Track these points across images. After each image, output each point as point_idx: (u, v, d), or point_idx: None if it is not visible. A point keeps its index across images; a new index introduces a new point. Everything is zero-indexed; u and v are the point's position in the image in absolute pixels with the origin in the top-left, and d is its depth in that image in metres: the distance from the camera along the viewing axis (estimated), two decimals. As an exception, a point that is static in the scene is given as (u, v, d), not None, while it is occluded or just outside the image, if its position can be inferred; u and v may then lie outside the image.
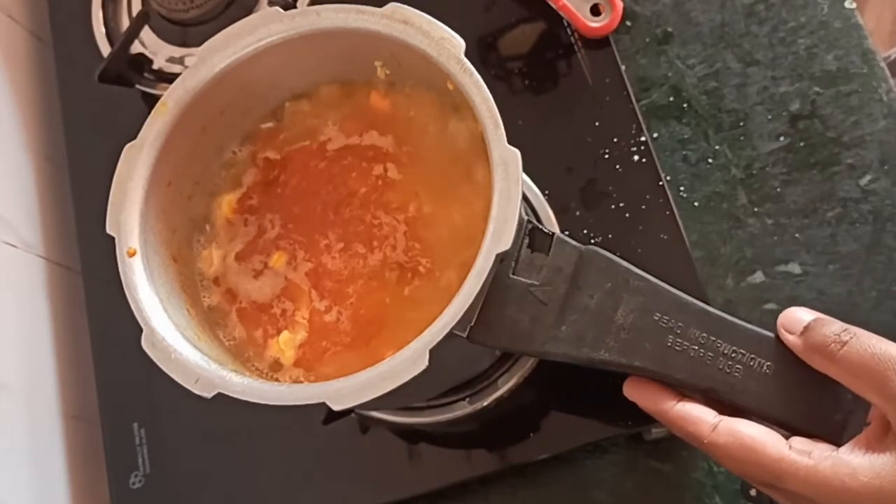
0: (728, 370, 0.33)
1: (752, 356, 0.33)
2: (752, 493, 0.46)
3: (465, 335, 0.33)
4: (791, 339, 0.33)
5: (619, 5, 0.50)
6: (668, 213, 0.47)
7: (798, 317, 0.34)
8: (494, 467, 0.46)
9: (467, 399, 0.46)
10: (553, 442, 0.46)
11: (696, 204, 0.51)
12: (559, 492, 0.48)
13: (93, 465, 0.52)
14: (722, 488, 0.47)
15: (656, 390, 0.35)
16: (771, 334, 0.34)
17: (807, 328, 0.33)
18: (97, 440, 0.51)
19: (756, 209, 0.51)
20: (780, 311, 0.49)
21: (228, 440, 0.49)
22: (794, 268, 0.50)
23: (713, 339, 0.33)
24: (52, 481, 0.49)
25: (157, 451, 0.49)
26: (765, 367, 0.33)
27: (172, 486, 0.49)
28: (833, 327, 0.32)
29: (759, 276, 0.50)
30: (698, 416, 0.33)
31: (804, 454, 0.31)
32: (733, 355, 0.33)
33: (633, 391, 0.36)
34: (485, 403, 0.46)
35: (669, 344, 0.33)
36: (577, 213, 0.49)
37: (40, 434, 0.50)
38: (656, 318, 0.33)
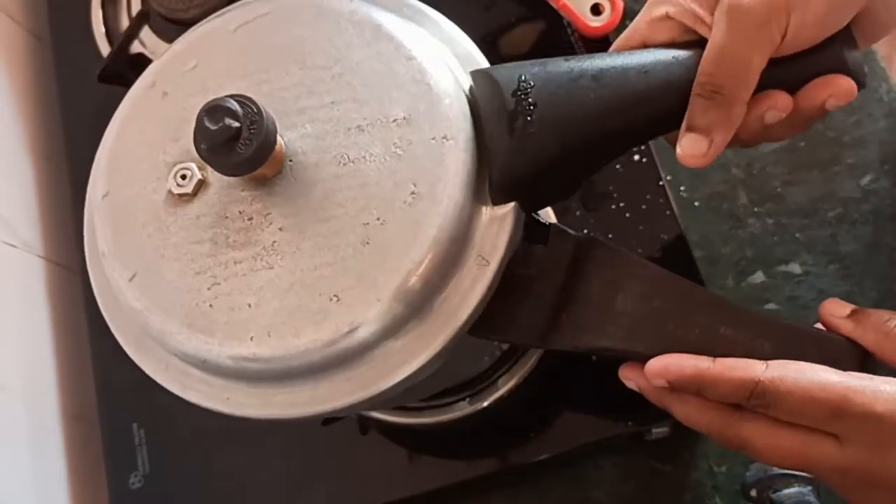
0: (729, 354, 0.33)
1: (752, 338, 0.33)
2: (753, 493, 0.46)
3: (464, 330, 0.33)
4: (838, 322, 0.34)
5: (620, 5, 0.50)
6: (668, 213, 0.47)
7: (841, 303, 0.34)
8: (494, 467, 0.46)
9: (467, 399, 0.46)
10: (553, 442, 0.46)
11: (696, 204, 0.51)
12: (559, 492, 0.48)
13: (93, 465, 0.51)
14: (722, 489, 0.47)
15: (686, 355, 0.32)
16: (769, 317, 0.34)
17: (856, 311, 0.33)
18: (97, 440, 0.51)
19: (756, 209, 0.51)
20: (780, 311, 0.49)
21: (228, 440, 0.49)
22: (795, 268, 0.50)
23: (713, 322, 0.33)
24: (52, 481, 0.49)
25: (157, 451, 0.49)
26: (765, 348, 0.32)
27: (172, 486, 0.49)
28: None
29: (759, 276, 0.50)
30: (744, 361, 0.31)
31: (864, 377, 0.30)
32: (734, 338, 0.33)
33: (663, 367, 0.32)
34: (485, 403, 0.46)
35: (670, 329, 0.33)
36: (578, 213, 0.49)
37: (40, 434, 0.50)
38: (656, 304, 0.33)
